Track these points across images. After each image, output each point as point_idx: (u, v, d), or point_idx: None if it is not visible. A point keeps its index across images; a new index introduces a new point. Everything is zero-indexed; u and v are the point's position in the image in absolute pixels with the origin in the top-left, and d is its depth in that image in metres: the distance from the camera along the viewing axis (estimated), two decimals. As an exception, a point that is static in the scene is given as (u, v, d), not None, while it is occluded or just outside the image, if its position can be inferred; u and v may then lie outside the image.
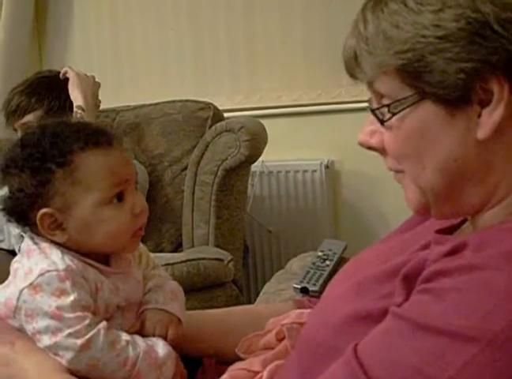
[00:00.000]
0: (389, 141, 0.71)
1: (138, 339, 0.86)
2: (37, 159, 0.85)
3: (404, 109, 0.68)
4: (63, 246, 0.86)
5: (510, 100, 0.65)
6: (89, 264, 0.86)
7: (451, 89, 0.65)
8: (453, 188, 0.70)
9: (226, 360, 0.94)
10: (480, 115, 0.66)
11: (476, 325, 0.57)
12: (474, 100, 0.66)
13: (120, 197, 0.87)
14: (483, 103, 0.65)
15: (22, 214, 0.87)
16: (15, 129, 2.14)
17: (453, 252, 0.65)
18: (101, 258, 0.89)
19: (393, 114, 0.69)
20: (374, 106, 0.71)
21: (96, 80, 2.20)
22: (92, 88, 2.14)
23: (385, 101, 0.70)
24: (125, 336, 0.85)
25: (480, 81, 0.65)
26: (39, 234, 0.87)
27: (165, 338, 0.89)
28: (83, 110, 2.04)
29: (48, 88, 2.13)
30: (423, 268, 0.66)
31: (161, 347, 0.86)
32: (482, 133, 0.66)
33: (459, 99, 0.65)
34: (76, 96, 2.07)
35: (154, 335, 0.88)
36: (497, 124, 0.65)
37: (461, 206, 0.71)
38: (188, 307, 0.98)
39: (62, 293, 0.82)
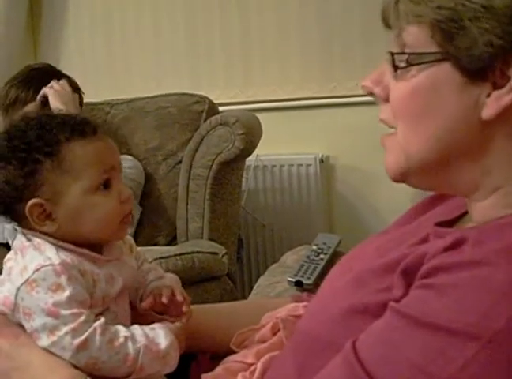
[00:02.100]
0: (394, 92, 0.71)
1: (138, 332, 0.85)
2: (24, 151, 0.85)
3: (422, 63, 0.67)
4: (56, 239, 0.86)
5: None
6: (83, 256, 0.86)
7: (474, 59, 0.65)
8: (444, 159, 0.69)
9: (221, 355, 0.94)
10: (489, 95, 0.66)
11: (477, 322, 0.57)
12: (490, 79, 0.65)
13: (107, 184, 0.88)
14: (496, 86, 0.65)
15: (10, 206, 0.87)
16: None
17: (452, 246, 0.64)
18: (94, 250, 0.89)
19: (410, 65, 0.68)
20: (395, 50, 0.70)
21: (91, 73, 2.20)
22: (73, 99, 2.14)
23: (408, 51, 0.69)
24: (123, 332, 0.84)
25: (501, 63, 0.64)
26: (27, 228, 0.87)
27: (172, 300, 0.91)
28: None
29: (42, 79, 2.13)
30: (422, 263, 0.65)
31: (163, 338, 0.85)
32: (486, 113, 0.66)
33: (478, 71, 0.65)
34: (57, 108, 2.06)
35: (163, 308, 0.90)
36: (502, 109, 0.65)
37: (451, 180, 0.71)
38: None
39: (58, 288, 0.82)
